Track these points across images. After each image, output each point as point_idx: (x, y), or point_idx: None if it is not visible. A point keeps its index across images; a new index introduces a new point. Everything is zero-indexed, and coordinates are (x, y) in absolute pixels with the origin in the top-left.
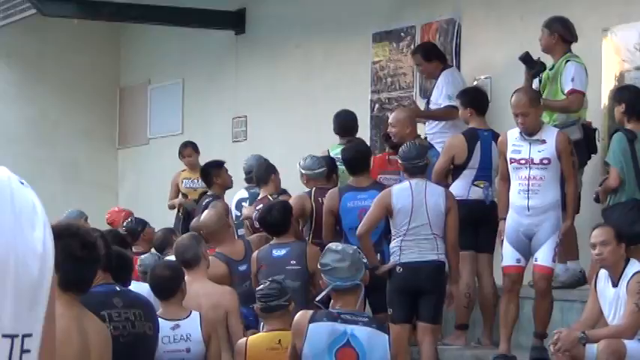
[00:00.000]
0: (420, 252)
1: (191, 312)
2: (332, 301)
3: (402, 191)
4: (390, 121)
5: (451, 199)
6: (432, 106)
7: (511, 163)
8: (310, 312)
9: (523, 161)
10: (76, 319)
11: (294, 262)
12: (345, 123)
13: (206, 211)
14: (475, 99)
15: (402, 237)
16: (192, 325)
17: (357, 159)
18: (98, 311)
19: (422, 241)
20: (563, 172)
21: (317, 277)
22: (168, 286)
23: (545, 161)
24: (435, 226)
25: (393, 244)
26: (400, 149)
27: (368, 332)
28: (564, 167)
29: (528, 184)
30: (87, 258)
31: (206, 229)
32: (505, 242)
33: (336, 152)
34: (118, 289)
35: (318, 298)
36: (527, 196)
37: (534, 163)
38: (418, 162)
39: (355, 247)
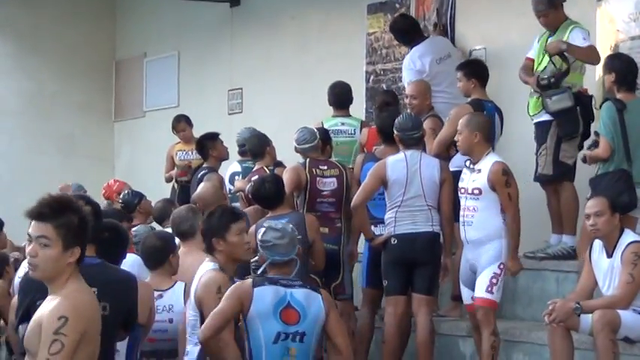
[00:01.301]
0: (415, 223)
1: (175, 282)
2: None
3: (397, 162)
4: (409, 92)
5: (446, 170)
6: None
7: (458, 191)
8: (250, 279)
9: (462, 190)
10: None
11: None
12: (341, 95)
13: (202, 184)
14: (478, 70)
15: (397, 208)
16: (175, 296)
17: (391, 128)
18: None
19: (416, 212)
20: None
21: (316, 246)
22: (158, 256)
23: (476, 191)
24: (430, 197)
25: (387, 215)
26: (396, 120)
27: (304, 293)
28: (500, 198)
29: (464, 215)
30: (95, 224)
31: (202, 202)
32: (460, 281)
33: (330, 124)
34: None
35: (259, 272)
36: (464, 228)
37: (468, 193)
38: (414, 133)
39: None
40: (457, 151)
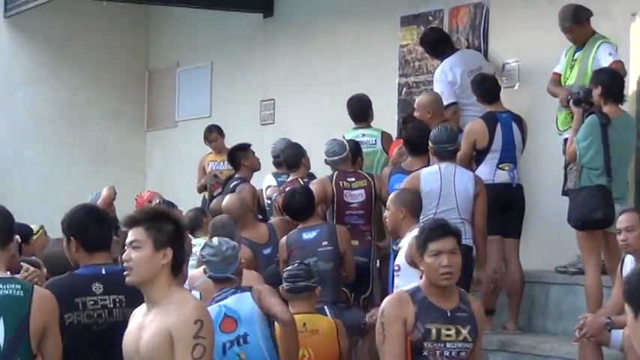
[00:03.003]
0: None
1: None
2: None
3: (431, 175)
4: (414, 104)
5: (480, 183)
6: None
7: None
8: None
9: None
10: None
11: (326, 242)
12: (357, 108)
13: (228, 196)
14: (482, 87)
15: None
16: None
17: (420, 139)
18: (72, 298)
19: None
20: None
21: (348, 257)
22: None
23: (396, 268)
24: (463, 210)
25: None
26: (431, 132)
27: (235, 298)
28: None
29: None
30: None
31: (229, 215)
32: None
33: (351, 136)
34: (104, 272)
35: (195, 285)
36: None
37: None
38: (448, 146)
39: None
40: (478, 166)
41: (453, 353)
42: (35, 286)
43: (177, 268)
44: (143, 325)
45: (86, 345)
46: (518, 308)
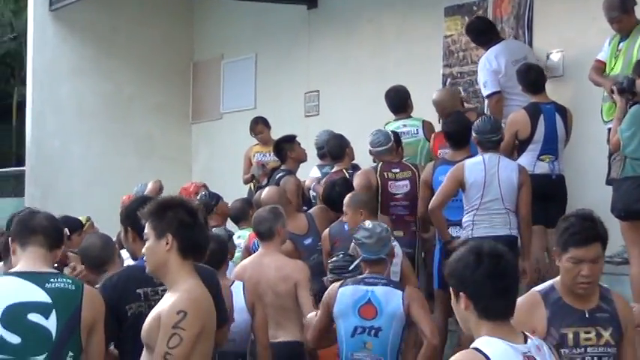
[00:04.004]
0: (493, 226)
1: (233, 282)
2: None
3: (475, 165)
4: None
5: (524, 173)
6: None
7: None
8: (340, 281)
9: None
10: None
11: None
12: (395, 99)
13: (266, 189)
14: (527, 77)
15: (475, 211)
16: (235, 295)
17: (460, 132)
18: (134, 289)
19: (494, 215)
20: None
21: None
22: (214, 258)
23: None
24: (508, 200)
25: (465, 218)
26: (475, 123)
27: (385, 290)
28: None
29: None
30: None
31: (270, 207)
32: None
33: (392, 128)
34: None
35: (351, 267)
36: None
37: None
38: (492, 136)
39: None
40: (519, 156)
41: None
42: (84, 282)
43: (187, 251)
44: (156, 308)
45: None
46: None
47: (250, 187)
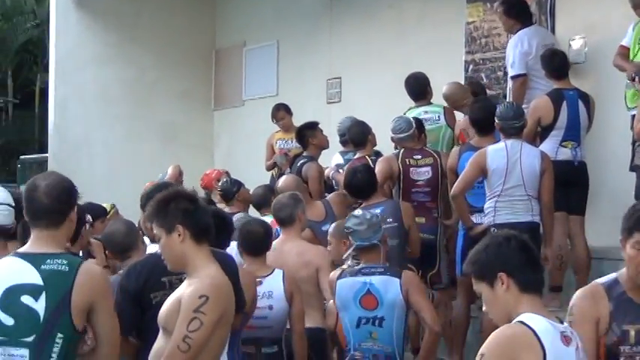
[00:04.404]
0: (515, 213)
1: (274, 270)
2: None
3: (497, 152)
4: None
5: (547, 160)
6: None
7: None
8: (339, 271)
9: None
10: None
11: (391, 219)
12: (415, 86)
13: (284, 177)
14: (551, 63)
15: (497, 198)
16: (274, 283)
17: (486, 119)
18: (159, 277)
19: (516, 202)
20: None
21: (413, 233)
22: (261, 243)
23: None
24: (530, 187)
25: (487, 204)
26: (497, 109)
27: (382, 279)
28: None
29: None
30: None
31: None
32: None
33: (414, 114)
34: None
35: (344, 256)
36: None
37: None
38: (515, 122)
39: (375, 213)
40: (541, 142)
41: None
42: (87, 262)
43: (200, 236)
44: (174, 293)
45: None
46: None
47: (272, 174)
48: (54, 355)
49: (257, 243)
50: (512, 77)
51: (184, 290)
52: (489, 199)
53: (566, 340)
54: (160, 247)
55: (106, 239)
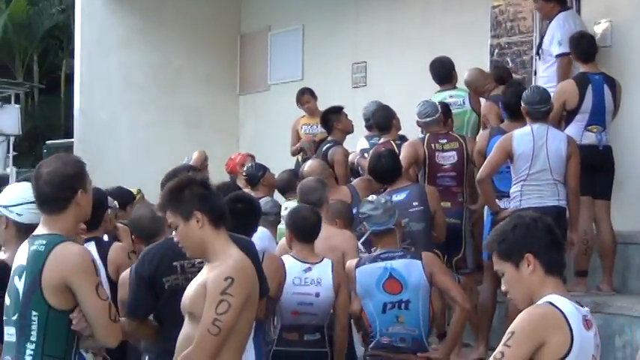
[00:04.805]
0: (541, 197)
1: (323, 258)
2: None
3: (523, 136)
4: None
5: (573, 144)
6: (544, 50)
7: None
8: (356, 260)
9: None
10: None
11: (416, 203)
12: (440, 70)
13: (309, 161)
14: (579, 46)
15: (523, 182)
16: (323, 271)
17: (519, 103)
18: (171, 261)
19: (543, 186)
20: None
21: (438, 217)
22: (312, 230)
23: None
24: (556, 171)
25: (513, 189)
26: (524, 93)
27: (404, 262)
28: None
29: None
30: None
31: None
32: None
33: (439, 99)
34: None
35: (361, 240)
36: None
37: None
38: (541, 107)
39: (388, 198)
40: (567, 126)
41: None
42: (65, 242)
43: (217, 221)
44: (197, 279)
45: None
46: (612, 269)
47: (298, 159)
48: (33, 333)
49: (309, 229)
50: (559, 55)
51: (207, 274)
52: (515, 184)
53: (587, 324)
54: (178, 235)
55: (132, 224)
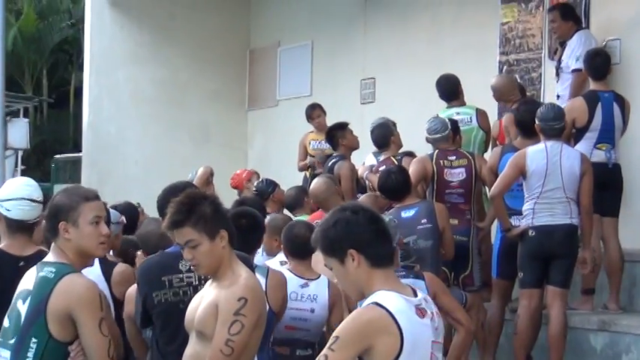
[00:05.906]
0: (553, 215)
1: (320, 275)
2: None
3: (537, 153)
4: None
5: (586, 162)
6: (563, 67)
7: None
8: None
9: None
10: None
11: (425, 220)
12: (446, 87)
13: (315, 180)
14: (592, 62)
15: (535, 200)
16: (320, 287)
17: (533, 121)
18: (159, 276)
19: (555, 204)
20: None
21: (446, 234)
22: (306, 246)
23: None
24: (569, 189)
25: (525, 206)
26: (538, 110)
27: (409, 282)
28: None
29: None
30: (226, 211)
31: (315, 199)
32: None
33: (446, 115)
34: None
35: None
36: None
37: None
38: (555, 124)
39: (391, 217)
40: (576, 144)
41: None
42: (73, 274)
43: (233, 237)
44: (203, 296)
45: (176, 323)
46: (618, 288)
47: (305, 175)
48: (28, 359)
49: (302, 246)
50: (575, 70)
51: (218, 294)
52: (528, 201)
53: (421, 312)
54: (201, 254)
55: (141, 239)
